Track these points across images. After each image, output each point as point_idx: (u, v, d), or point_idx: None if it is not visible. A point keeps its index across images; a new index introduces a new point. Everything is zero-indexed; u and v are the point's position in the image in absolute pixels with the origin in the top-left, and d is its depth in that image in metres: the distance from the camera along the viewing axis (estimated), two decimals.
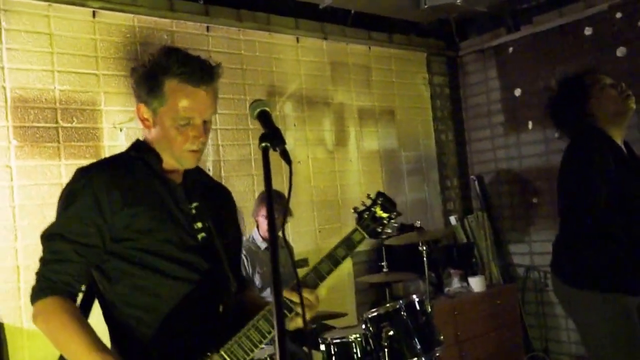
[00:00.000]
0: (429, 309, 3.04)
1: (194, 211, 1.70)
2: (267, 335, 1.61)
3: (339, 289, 4.30)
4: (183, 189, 1.70)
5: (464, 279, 4.57)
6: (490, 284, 4.77)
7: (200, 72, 1.62)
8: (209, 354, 1.59)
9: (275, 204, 3.57)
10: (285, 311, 1.63)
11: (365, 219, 1.87)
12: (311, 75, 4.37)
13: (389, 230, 1.91)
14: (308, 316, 1.60)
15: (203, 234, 1.69)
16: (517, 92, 4.90)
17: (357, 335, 3.01)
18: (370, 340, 2.93)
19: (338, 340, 2.98)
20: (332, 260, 1.74)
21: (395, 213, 1.92)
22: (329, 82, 4.48)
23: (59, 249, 1.53)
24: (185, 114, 1.60)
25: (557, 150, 4.63)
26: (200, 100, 1.62)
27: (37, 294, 1.51)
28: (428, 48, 5.13)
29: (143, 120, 1.66)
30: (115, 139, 3.44)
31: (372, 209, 1.90)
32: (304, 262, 4.06)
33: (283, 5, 4.19)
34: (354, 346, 2.95)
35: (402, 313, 2.93)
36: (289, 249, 3.68)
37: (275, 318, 1.11)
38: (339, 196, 4.46)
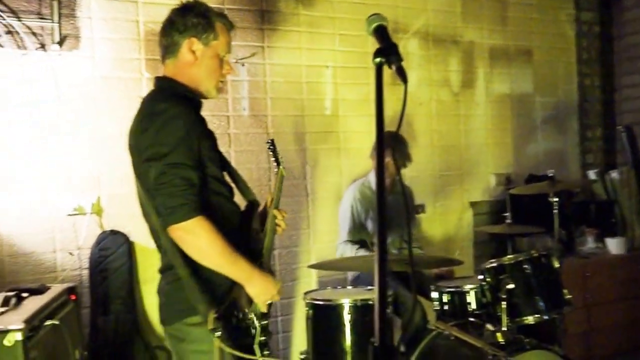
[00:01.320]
0: (556, 265, 2.78)
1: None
2: None
3: (455, 239, 4.12)
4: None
5: (599, 239, 4.17)
6: (632, 247, 4.30)
7: (230, 24, 1.99)
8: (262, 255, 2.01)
9: (394, 146, 3.44)
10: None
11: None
12: (439, 10, 4.08)
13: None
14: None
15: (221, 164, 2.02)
16: None
17: (473, 286, 2.86)
18: (487, 293, 2.76)
19: (452, 289, 2.85)
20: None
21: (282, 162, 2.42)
22: (459, 18, 4.17)
23: (188, 176, 1.72)
24: (228, 49, 1.96)
25: None
26: (231, 40, 2.00)
27: (189, 213, 1.69)
28: None
29: (191, 52, 1.88)
30: (237, 74, 3.49)
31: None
32: (420, 207, 3.92)
33: None
34: (468, 296, 2.81)
35: (525, 266, 2.71)
36: (406, 193, 3.55)
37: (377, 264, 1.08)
38: (462, 141, 4.21)
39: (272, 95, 3.57)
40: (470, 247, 4.20)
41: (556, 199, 3.09)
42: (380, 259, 1.08)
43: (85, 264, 3.12)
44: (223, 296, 1.80)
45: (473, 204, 4.23)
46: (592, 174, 4.62)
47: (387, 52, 1.21)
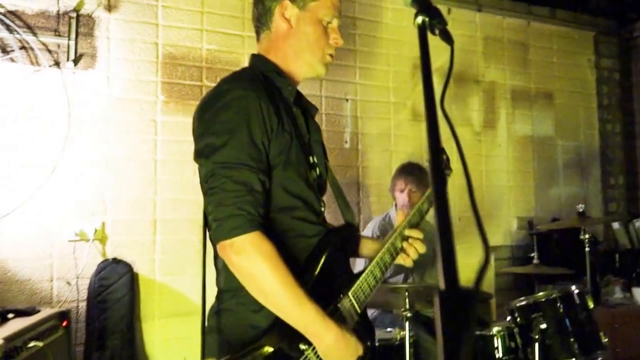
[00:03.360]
0: (591, 305, 2.57)
1: (311, 145, 1.57)
2: (384, 270, 1.55)
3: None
4: (302, 117, 1.56)
5: (626, 289, 3.95)
6: None
7: None
8: (341, 295, 1.45)
9: (414, 177, 3.24)
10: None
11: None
12: (461, 49, 4.04)
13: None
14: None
15: (317, 171, 1.54)
16: None
17: (500, 328, 2.63)
18: (517, 335, 2.54)
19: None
20: (420, 213, 1.71)
21: (450, 170, 1.97)
22: (481, 58, 4.12)
23: (245, 179, 1.32)
24: (334, 12, 1.53)
25: None
26: (339, 3, 1.57)
27: (240, 228, 1.28)
28: (596, 27, 4.57)
29: (284, 19, 1.51)
30: None
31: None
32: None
33: None
34: (495, 340, 2.58)
35: (558, 305, 2.51)
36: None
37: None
38: (483, 182, 4.07)
39: None
40: (491, 294, 3.98)
41: (587, 236, 2.91)
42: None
43: (84, 294, 2.92)
44: (249, 343, 1.32)
45: (494, 249, 4.04)
46: (615, 223, 4.45)
47: (431, 12, 1.01)
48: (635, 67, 4.70)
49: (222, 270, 1.43)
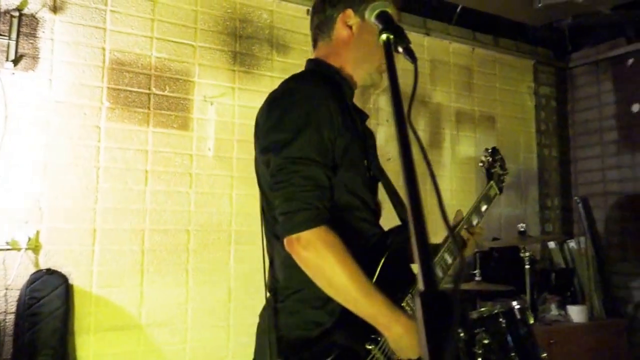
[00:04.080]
0: (531, 321, 2.66)
1: (367, 148, 1.61)
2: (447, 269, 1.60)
3: None
4: (359, 120, 1.60)
5: (562, 306, 4.09)
6: (592, 316, 4.24)
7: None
8: (403, 304, 1.46)
9: None
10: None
11: (494, 175, 1.95)
12: (409, 70, 4.11)
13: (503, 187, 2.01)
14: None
15: (371, 173, 1.59)
16: (636, 107, 4.44)
17: None
18: (460, 351, 2.58)
19: None
20: (478, 213, 1.80)
21: (507, 171, 2.03)
22: (428, 80, 4.23)
23: (313, 175, 1.34)
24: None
25: None
26: (398, 17, 1.58)
27: (308, 221, 1.30)
28: (536, 56, 4.79)
29: (346, 27, 1.56)
30: (205, 112, 3.34)
31: (495, 165, 1.99)
32: None
33: None
34: None
35: (501, 320, 2.57)
36: None
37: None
38: (428, 201, 4.13)
39: (239, 138, 3.42)
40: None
41: (528, 254, 3.01)
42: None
43: (12, 307, 2.75)
44: (312, 341, 1.33)
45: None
46: (551, 243, 4.62)
47: (395, 30, 1.08)
48: (571, 96, 4.95)
49: (281, 266, 1.44)
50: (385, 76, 1.55)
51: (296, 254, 1.31)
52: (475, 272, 3.27)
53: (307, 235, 1.29)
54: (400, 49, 1.13)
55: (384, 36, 1.11)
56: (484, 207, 1.82)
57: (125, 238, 3.02)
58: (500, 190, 1.95)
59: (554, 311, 4.01)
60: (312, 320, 1.37)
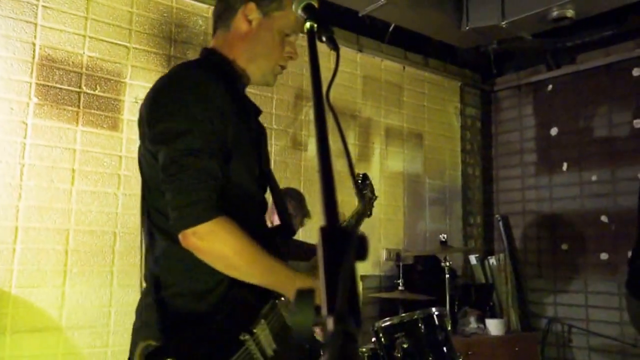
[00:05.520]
0: (449, 327, 2.78)
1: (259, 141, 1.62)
2: None
3: None
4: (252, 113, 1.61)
5: (481, 320, 4.27)
6: (509, 330, 4.46)
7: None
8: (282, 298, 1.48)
9: (294, 202, 3.37)
10: None
11: (366, 197, 2.14)
12: (341, 85, 4.26)
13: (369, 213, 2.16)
14: None
15: (260, 169, 1.57)
16: (554, 131, 4.74)
17: (365, 350, 2.76)
18: (381, 354, 2.67)
19: None
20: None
21: (377, 196, 2.21)
22: (359, 95, 4.36)
23: (204, 166, 1.33)
24: (294, 26, 1.56)
25: (593, 194, 4.43)
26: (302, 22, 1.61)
27: (204, 213, 1.30)
28: (463, 78, 5.03)
29: (246, 20, 1.54)
30: (136, 114, 3.28)
31: (366, 189, 2.17)
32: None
33: (321, 10, 4.13)
34: None
35: (420, 325, 2.68)
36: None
37: None
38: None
39: None
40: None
41: (448, 263, 3.15)
42: None
43: None
44: (189, 332, 1.34)
45: (363, 277, 4.21)
46: (473, 258, 4.83)
47: (319, 20, 1.13)
48: (495, 118, 5.23)
49: (160, 259, 1.42)
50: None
51: (194, 247, 1.31)
52: (398, 281, 3.37)
53: (202, 228, 1.29)
54: (323, 38, 1.19)
55: (307, 24, 1.17)
56: (352, 223, 2.01)
57: (48, 237, 2.94)
58: (370, 213, 2.14)
59: (473, 324, 4.17)
60: (191, 311, 1.38)
